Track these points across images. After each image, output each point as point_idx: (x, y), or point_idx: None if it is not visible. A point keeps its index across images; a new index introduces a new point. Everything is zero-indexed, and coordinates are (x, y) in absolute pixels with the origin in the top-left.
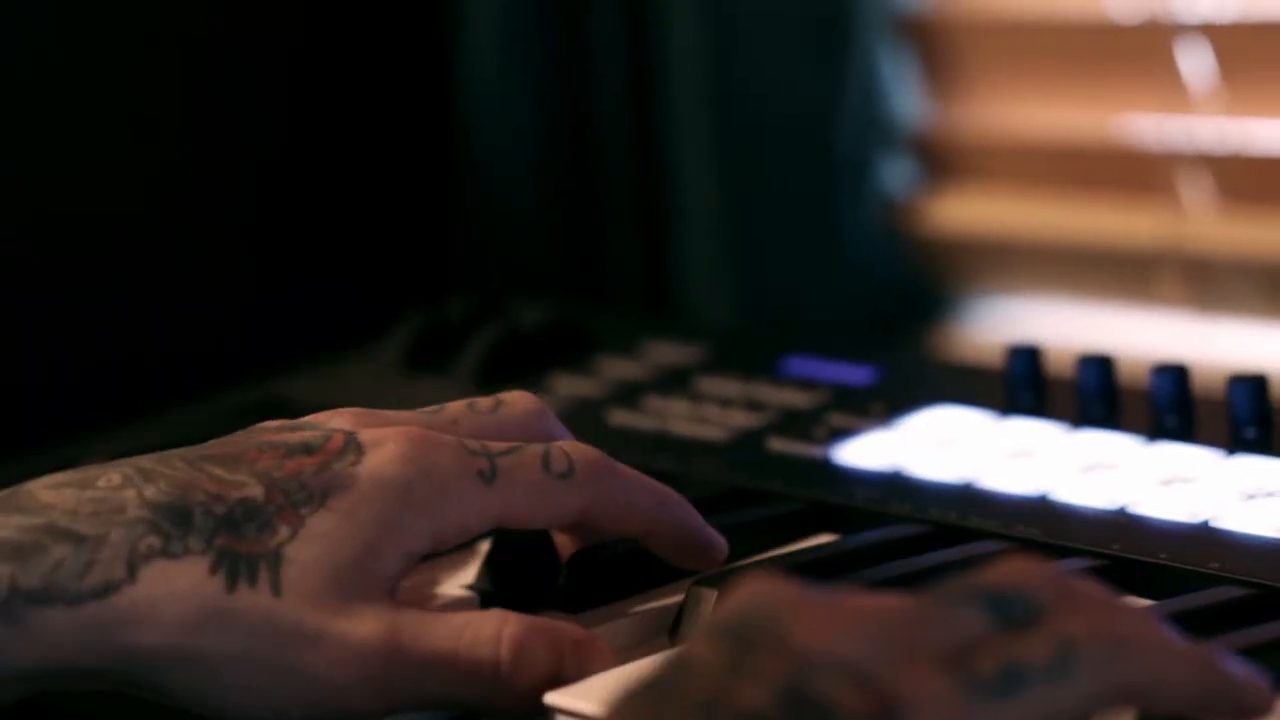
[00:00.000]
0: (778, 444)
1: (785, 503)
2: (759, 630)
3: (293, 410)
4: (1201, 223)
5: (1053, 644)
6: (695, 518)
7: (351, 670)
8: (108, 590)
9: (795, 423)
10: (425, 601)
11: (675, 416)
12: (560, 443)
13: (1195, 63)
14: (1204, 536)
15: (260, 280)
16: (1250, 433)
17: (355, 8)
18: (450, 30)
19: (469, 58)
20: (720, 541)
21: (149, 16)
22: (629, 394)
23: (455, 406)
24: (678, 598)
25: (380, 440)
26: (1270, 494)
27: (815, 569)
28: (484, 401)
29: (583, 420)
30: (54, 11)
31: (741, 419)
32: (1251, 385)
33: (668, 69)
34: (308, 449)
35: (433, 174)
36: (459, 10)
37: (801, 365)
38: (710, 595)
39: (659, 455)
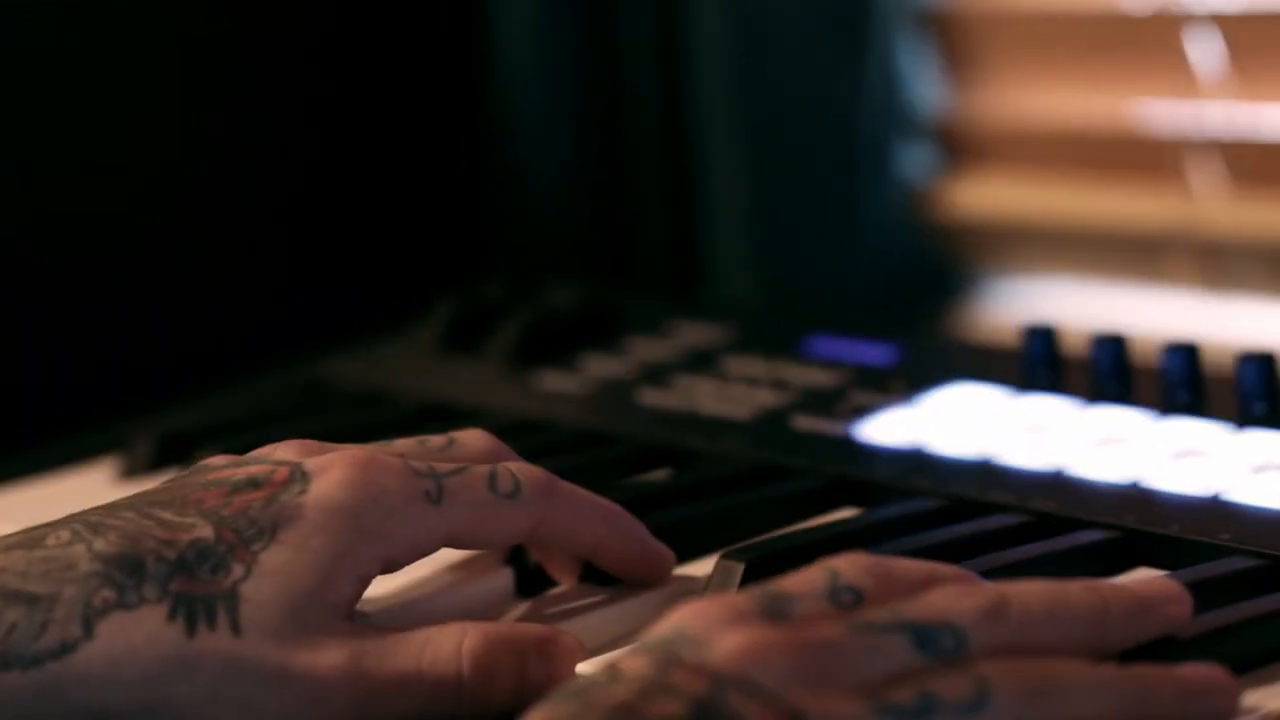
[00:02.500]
0: (802, 421)
1: (809, 478)
2: (686, 647)
3: (336, 390)
4: (1211, 205)
5: (972, 683)
6: (642, 532)
7: (320, 703)
8: (65, 650)
9: (819, 400)
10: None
11: (702, 395)
12: (507, 463)
13: (1205, 50)
14: (1215, 509)
15: (295, 264)
16: (1259, 408)
17: None
18: (484, 16)
19: (502, 43)
20: (668, 554)
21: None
22: (657, 374)
23: (404, 444)
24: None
25: (325, 466)
26: (1279, 467)
27: (838, 543)
28: (436, 440)
29: (611, 399)
30: (54, 11)
31: (766, 397)
32: (1260, 362)
33: (695, 55)
34: (254, 484)
35: (466, 157)
36: None
37: (825, 344)
38: (737, 569)
39: (686, 433)
